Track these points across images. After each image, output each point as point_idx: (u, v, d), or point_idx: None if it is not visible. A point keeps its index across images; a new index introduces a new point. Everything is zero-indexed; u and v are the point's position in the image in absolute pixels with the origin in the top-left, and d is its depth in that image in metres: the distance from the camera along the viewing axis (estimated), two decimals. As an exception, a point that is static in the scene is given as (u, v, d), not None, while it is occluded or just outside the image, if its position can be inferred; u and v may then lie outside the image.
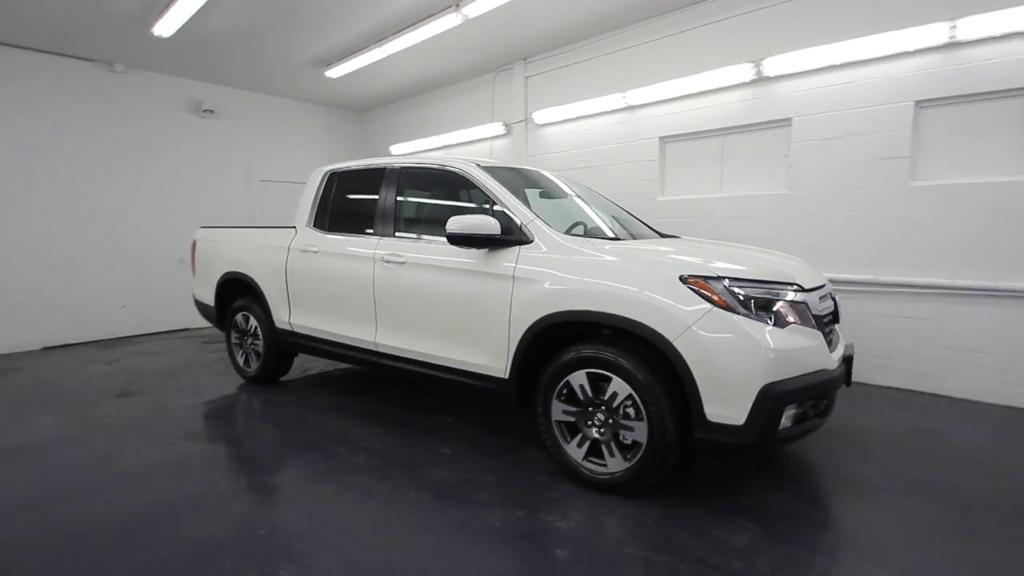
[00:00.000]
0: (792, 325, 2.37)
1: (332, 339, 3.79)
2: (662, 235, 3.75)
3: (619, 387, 2.50)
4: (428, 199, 3.77)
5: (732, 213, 5.00)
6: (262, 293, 4.23)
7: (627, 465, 2.53)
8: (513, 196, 3.03)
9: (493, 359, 2.93)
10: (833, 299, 2.80)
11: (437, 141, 7.77)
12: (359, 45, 6.04)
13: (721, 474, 2.85)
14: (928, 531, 2.30)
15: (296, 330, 4.04)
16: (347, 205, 3.91)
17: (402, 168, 3.58)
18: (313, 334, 3.92)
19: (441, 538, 2.26)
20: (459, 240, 2.89)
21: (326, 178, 4.06)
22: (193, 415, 3.88)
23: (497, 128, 6.92)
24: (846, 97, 4.27)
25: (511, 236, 2.87)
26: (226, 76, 7.16)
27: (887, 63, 4.06)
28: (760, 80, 4.68)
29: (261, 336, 4.36)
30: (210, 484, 2.80)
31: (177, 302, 7.16)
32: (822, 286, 2.72)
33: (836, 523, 2.39)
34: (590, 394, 2.60)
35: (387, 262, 3.38)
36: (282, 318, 4.13)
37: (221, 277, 4.62)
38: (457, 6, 4.94)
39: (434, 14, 5.15)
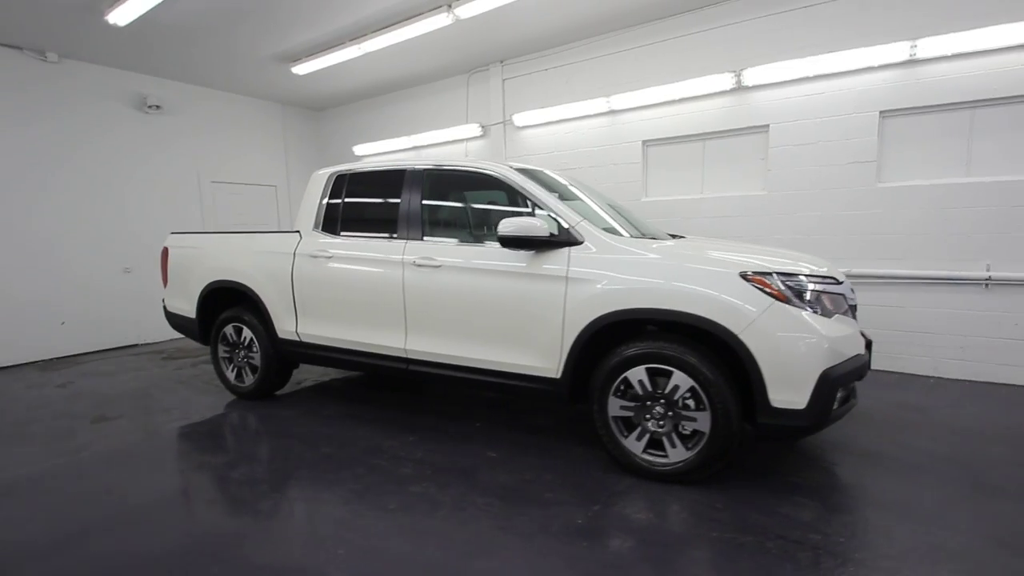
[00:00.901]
0: (836, 315, 2.59)
1: (350, 347, 3.63)
2: (671, 235, 3.92)
3: (680, 380, 2.61)
4: (458, 202, 3.71)
5: (714, 213, 5.32)
6: (261, 302, 3.97)
7: (689, 455, 2.65)
8: (556, 199, 3.07)
9: (544, 360, 2.95)
10: (852, 291, 3.08)
11: (407, 142, 7.61)
12: (334, 41, 5.80)
13: (757, 457, 3.05)
14: (953, 491, 2.60)
15: (305, 340, 3.83)
16: (362, 208, 3.76)
17: (426, 170, 3.50)
18: (326, 343, 3.74)
19: (532, 540, 2.27)
20: (512, 242, 2.89)
21: (332, 180, 3.88)
22: (194, 437, 3.57)
23: (473, 129, 6.89)
24: (819, 106, 4.69)
25: (560, 237, 2.91)
26: (175, 70, 6.60)
27: (855, 76, 4.50)
28: (739, 89, 5.02)
29: (258, 348, 4.09)
30: (255, 509, 2.60)
31: (123, 316, 6.55)
32: (844, 280, 2.98)
33: (877, 492, 2.63)
34: (649, 389, 2.70)
35: (419, 266, 3.30)
36: (286, 328, 3.90)
37: (206, 287, 4.28)
38: (449, 6, 4.89)
39: (423, 13, 5.06)
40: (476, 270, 3.13)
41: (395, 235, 3.48)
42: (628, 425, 2.81)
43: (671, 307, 2.59)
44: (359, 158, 8.34)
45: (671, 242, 3.03)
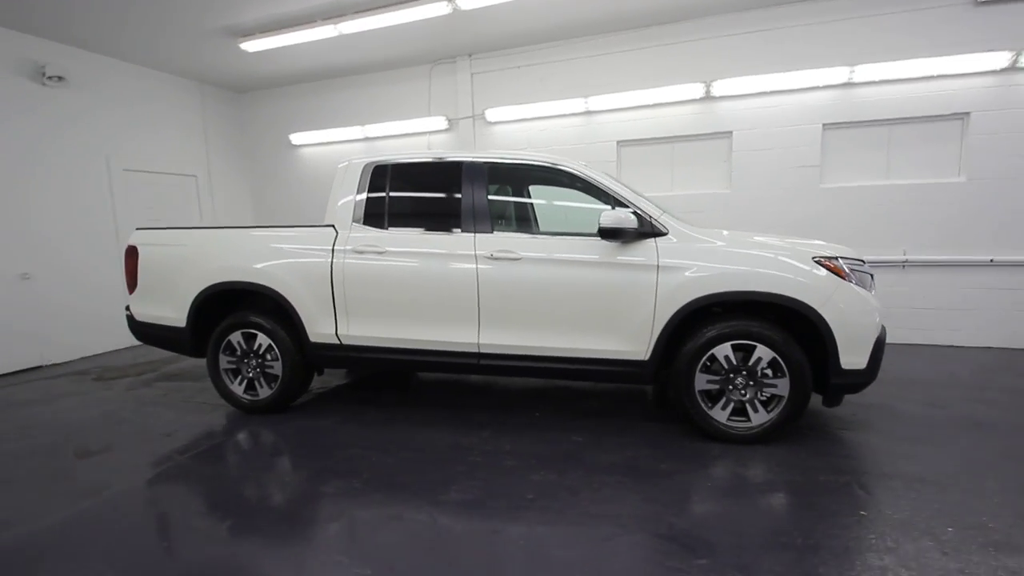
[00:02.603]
0: (872, 291, 3.17)
1: (408, 347, 3.48)
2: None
3: (763, 353, 3.00)
4: (524, 196, 3.72)
5: (683, 208, 5.89)
6: (289, 304, 3.61)
7: (770, 417, 3.05)
8: (636, 194, 3.28)
9: (632, 343, 3.15)
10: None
11: (358, 132, 7.20)
12: (303, 18, 5.33)
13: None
14: (950, 425, 3.32)
15: (349, 342, 3.57)
16: (413, 201, 3.61)
17: (488, 163, 3.48)
18: (377, 344, 3.53)
19: (688, 504, 2.48)
20: (610, 234, 3.05)
21: (370, 171, 3.65)
22: (235, 459, 3.17)
23: (438, 122, 6.77)
24: (774, 117, 5.47)
25: (645, 229, 3.13)
26: (85, 35, 5.52)
27: (804, 93, 5.34)
28: (708, 98, 5.64)
29: (278, 355, 3.71)
30: (400, 522, 2.46)
31: (21, 333, 5.39)
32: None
33: (904, 432, 3.24)
34: (734, 362, 3.05)
35: (495, 259, 3.29)
36: (322, 331, 3.60)
37: (204, 290, 3.76)
38: (451, -5, 4.80)
39: None
40: (561, 261, 3.22)
41: (460, 229, 3.41)
42: (711, 397, 3.13)
43: (762, 289, 2.95)
44: (297, 147, 7.70)
45: (728, 232, 3.40)
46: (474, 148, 6.68)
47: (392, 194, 3.61)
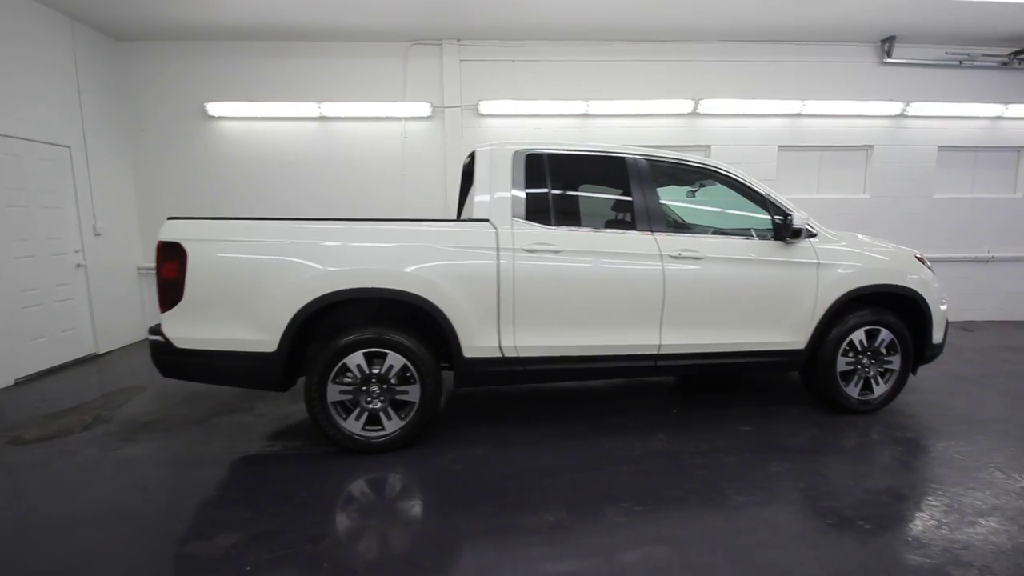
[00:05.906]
0: (931, 281, 4.05)
1: (587, 354, 3.21)
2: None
3: (886, 335, 3.61)
4: (687, 195, 3.67)
5: (667, 212, 6.50)
6: (440, 313, 2.99)
7: (886, 390, 3.69)
8: (784, 198, 3.58)
9: (795, 335, 3.47)
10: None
11: (312, 110, 6.06)
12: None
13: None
14: (950, 378, 4.44)
15: (514, 355, 3.12)
16: (580, 197, 3.31)
17: (650, 160, 3.41)
18: (551, 354, 3.17)
19: (898, 464, 2.91)
20: (794, 234, 3.33)
21: (522, 160, 3.25)
22: (451, 507, 2.55)
23: (419, 108, 6.11)
24: (742, 136, 6.40)
25: (806, 232, 3.48)
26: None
27: (766, 119, 6.37)
28: (694, 114, 6.30)
29: (418, 376, 3.04)
30: (724, 530, 2.31)
31: None
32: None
33: (930, 386, 4.22)
34: (866, 345, 3.60)
35: (679, 259, 3.25)
36: (482, 343, 3.08)
37: (313, 301, 2.87)
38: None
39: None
40: (741, 260, 3.36)
41: (636, 227, 3.28)
42: (844, 377, 3.63)
43: (893, 282, 3.55)
44: (215, 120, 6.12)
45: (841, 233, 3.90)
46: (461, 141, 6.22)
47: (555, 188, 3.27)
